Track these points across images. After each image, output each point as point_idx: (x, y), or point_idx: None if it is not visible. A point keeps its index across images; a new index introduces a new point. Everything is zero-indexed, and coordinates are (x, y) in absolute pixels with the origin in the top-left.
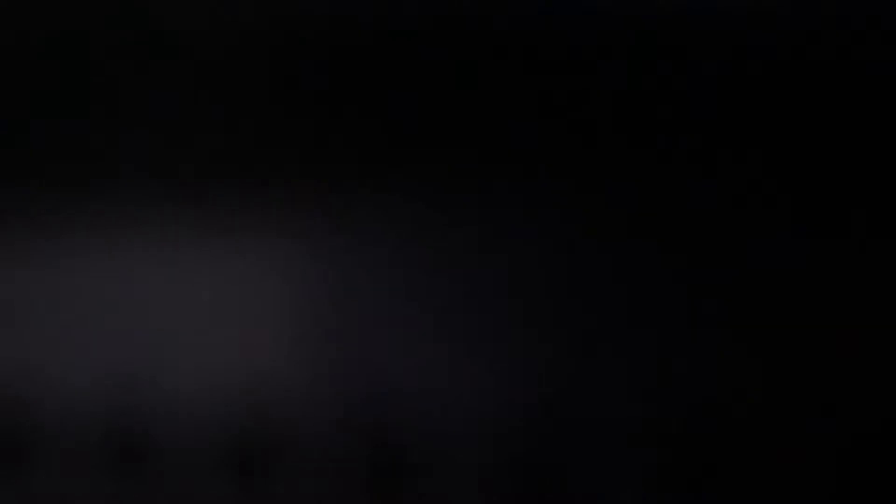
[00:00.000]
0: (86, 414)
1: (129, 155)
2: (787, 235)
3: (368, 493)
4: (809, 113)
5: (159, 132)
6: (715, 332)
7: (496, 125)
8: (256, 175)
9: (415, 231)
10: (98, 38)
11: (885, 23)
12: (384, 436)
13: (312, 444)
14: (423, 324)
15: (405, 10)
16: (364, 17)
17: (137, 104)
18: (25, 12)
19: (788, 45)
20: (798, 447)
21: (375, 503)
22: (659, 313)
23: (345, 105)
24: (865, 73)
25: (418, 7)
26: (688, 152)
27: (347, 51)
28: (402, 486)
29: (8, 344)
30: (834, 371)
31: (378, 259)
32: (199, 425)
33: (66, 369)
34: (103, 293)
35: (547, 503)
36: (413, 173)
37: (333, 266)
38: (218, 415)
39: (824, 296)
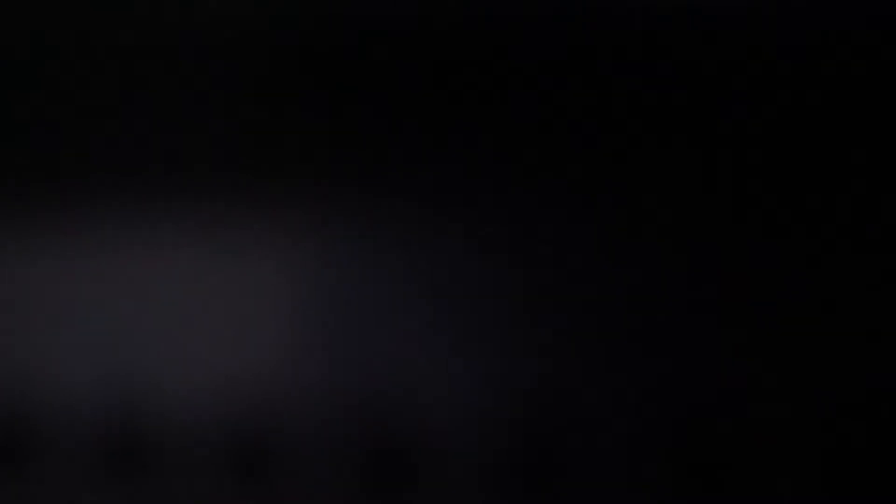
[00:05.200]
0: (85, 414)
1: (129, 155)
2: (787, 236)
3: (368, 493)
4: (810, 114)
5: (159, 132)
6: (715, 332)
7: (497, 125)
8: (257, 175)
9: (415, 231)
10: (98, 38)
11: (885, 23)
12: (384, 435)
13: (312, 444)
14: (424, 323)
15: (407, 10)
16: (365, 17)
17: (138, 104)
18: (25, 12)
19: (788, 46)
20: (798, 447)
21: (375, 503)
22: (659, 313)
23: (346, 105)
24: (866, 74)
25: (419, 7)
26: (688, 153)
27: (349, 51)
28: (403, 486)
29: (8, 344)
30: (835, 372)
31: (378, 259)
32: (198, 425)
33: (65, 369)
34: (103, 293)
35: (547, 502)
36: (414, 173)
37: (334, 266)
38: (218, 415)
39: (825, 297)
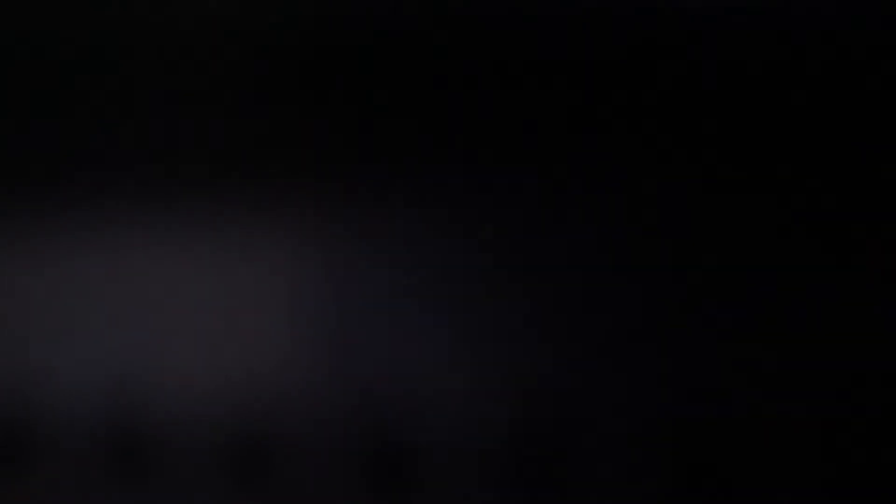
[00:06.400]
0: (85, 414)
1: (129, 155)
2: (788, 238)
3: (369, 493)
4: (811, 115)
5: (159, 133)
6: (715, 332)
7: (497, 125)
8: (256, 175)
9: (415, 231)
10: (100, 39)
11: (885, 23)
12: (385, 436)
13: (312, 444)
14: (423, 324)
15: (407, 10)
16: (366, 18)
17: (138, 104)
18: (26, 12)
19: (789, 46)
20: (798, 448)
21: (376, 503)
22: (659, 314)
23: (346, 105)
24: (866, 75)
25: (419, 7)
26: (690, 154)
27: (349, 51)
28: (403, 486)
29: (8, 344)
30: (835, 372)
31: (378, 259)
32: (199, 426)
33: (66, 369)
34: (103, 293)
35: (547, 502)
36: (414, 173)
37: (333, 266)
38: (218, 415)
39: (826, 298)
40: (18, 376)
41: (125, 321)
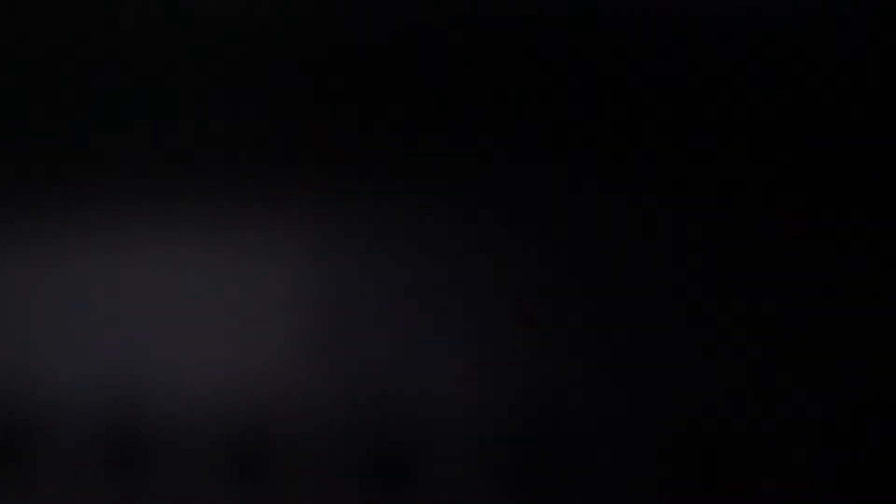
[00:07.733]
0: (85, 414)
1: (129, 155)
2: (789, 238)
3: (368, 494)
4: (811, 114)
5: (160, 131)
6: (716, 333)
7: (497, 125)
8: (257, 175)
9: (415, 231)
10: (101, 38)
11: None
12: (385, 436)
13: (312, 444)
14: (423, 324)
15: (406, 10)
16: (365, 17)
17: (138, 103)
18: (25, 12)
19: (790, 46)
20: (798, 449)
21: (376, 503)
22: (661, 314)
23: (346, 105)
24: (867, 75)
25: (419, 7)
26: (688, 153)
27: (349, 50)
28: (403, 487)
29: (8, 344)
30: (836, 373)
31: (378, 259)
32: (198, 425)
33: (65, 369)
34: (103, 293)
35: (547, 503)
36: (413, 174)
37: (333, 266)
38: (218, 415)
39: (827, 299)
40: (18, 376)
41: (125, 321)
